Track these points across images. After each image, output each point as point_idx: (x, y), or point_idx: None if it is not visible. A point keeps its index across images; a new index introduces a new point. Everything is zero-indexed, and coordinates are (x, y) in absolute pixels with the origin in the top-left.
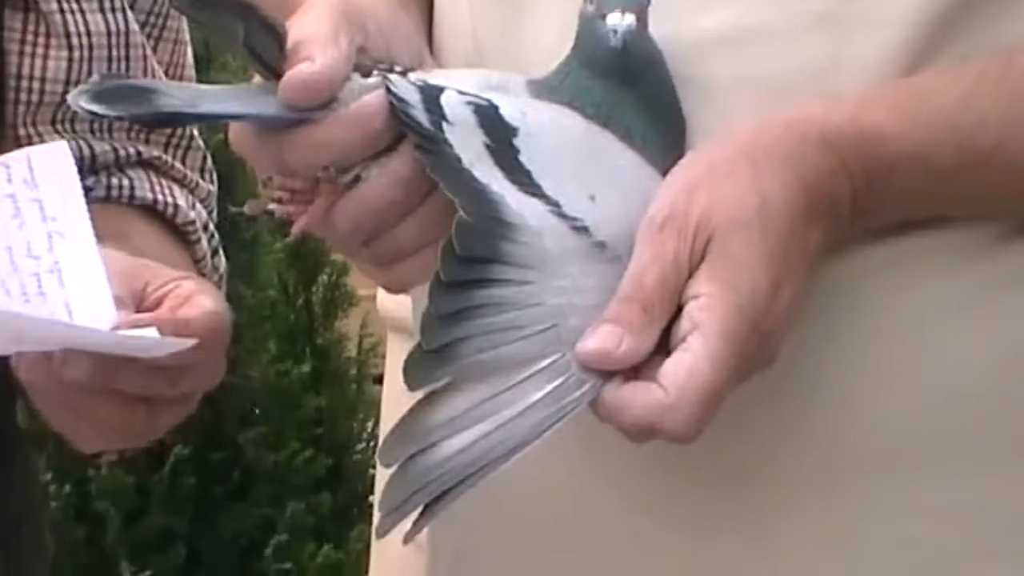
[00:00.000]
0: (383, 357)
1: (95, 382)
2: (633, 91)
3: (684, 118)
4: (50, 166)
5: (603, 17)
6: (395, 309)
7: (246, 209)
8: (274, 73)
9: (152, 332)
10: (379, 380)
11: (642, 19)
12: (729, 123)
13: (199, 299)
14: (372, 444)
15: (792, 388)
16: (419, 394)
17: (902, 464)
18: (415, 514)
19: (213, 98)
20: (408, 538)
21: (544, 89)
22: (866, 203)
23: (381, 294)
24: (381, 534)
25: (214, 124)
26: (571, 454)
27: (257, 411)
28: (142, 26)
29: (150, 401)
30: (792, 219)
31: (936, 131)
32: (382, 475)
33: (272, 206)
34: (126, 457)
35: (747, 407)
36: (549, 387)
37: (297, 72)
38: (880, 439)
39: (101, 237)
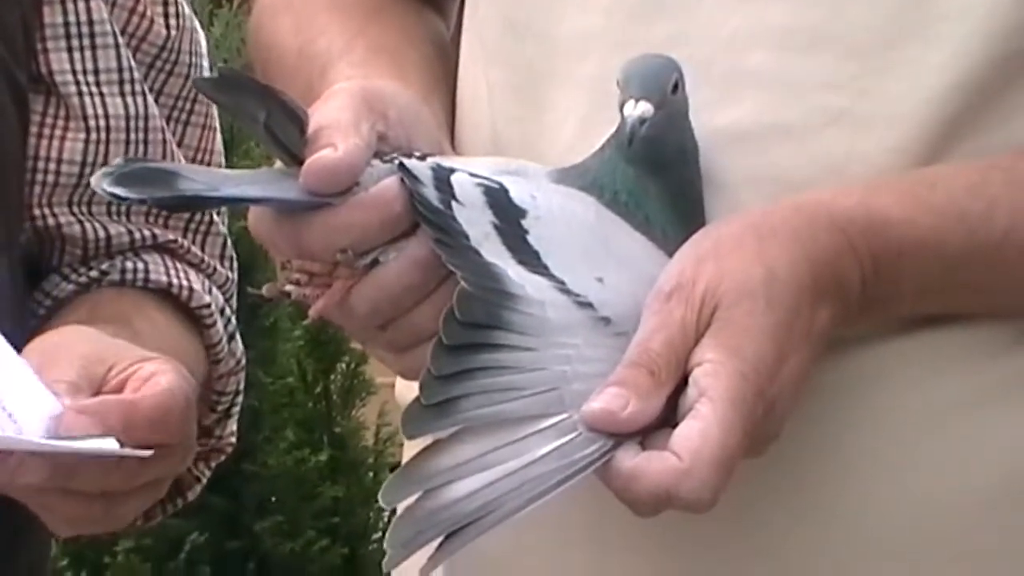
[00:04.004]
0: (401, 446)
1: (51, 484)
2: (659, 181)
3: (705, 215)
4: None
5: (622, 105)
6: (413, 398)
7: (264, 291)
8: (294, 158)
9: (111, 443)
10: (396, 469)
11: (665, 107)
12: None
13: (157, 379)
14: None
15: (808, 476)
16: None
17: (910, 556)
18: (429, 550)
19: (234, 182)
20: (424, 573)
21: (569, 175)
22: (876, 288)
23: (399, 383)
24: (390, 567)
25: (235, 208)
26: (581, 543)
27: (274, 499)
28: (171, 110)
29: (110, 494)
30: (798, 294)
31: (945, 217)
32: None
33: (289, 288)
34: (142, 545)
35: (763, 493)
36: (556, 443)
37: (320, 158)
38: (893, 530)
39: (99, 321)
